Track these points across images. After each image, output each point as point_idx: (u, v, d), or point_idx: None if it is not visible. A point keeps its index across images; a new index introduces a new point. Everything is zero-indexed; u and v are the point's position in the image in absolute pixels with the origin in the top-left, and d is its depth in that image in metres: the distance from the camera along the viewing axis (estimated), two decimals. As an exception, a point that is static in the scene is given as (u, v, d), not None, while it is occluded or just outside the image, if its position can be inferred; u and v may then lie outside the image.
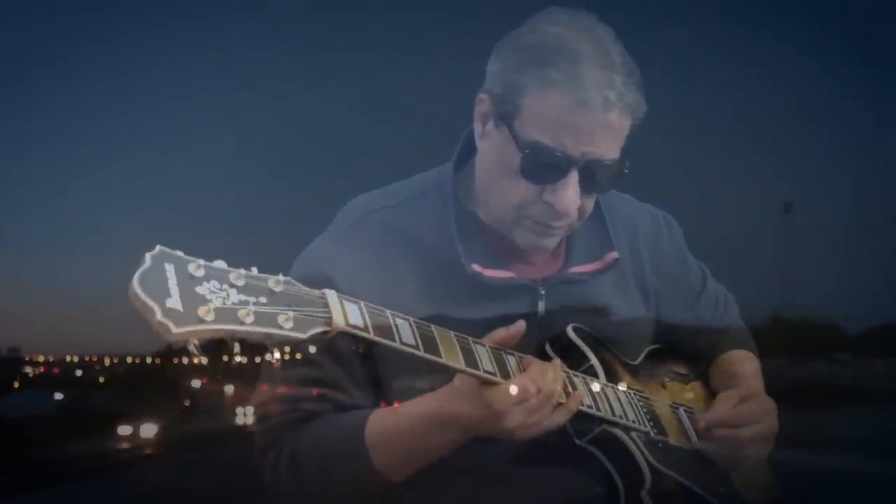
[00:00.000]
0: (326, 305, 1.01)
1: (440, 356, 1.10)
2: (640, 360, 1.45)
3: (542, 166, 1.25)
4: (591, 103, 1.20)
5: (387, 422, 1.23)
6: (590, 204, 1.33)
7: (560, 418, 1.19)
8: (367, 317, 1.04)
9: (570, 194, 1.26)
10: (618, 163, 1.28)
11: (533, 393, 1.14)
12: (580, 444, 1.27)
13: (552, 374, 1.18)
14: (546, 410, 1.16)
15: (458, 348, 1.12)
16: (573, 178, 1.25)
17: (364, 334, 1.03)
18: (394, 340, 1.06)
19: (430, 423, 1.19)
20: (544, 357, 1.27)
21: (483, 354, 1.15)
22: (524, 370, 1.18)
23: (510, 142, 1.26)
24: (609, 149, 1.25)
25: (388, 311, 1.08)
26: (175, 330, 0.88)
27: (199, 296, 0.92)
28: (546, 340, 1.35)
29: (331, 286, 1.11)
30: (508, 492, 1.30)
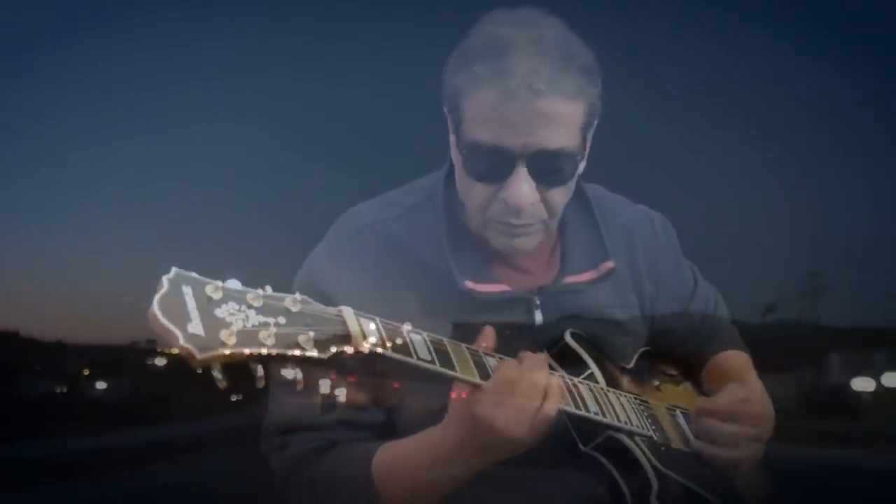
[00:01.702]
0: (344, 323, 1.01)
1: (455, 370, 1.10)
2: (633, 363, 1.47)
3: (485, 164, 1.25)
4: (518, 93, 1.19)
5: (393, 455, 1.23)
6: (557, 197, 1.30)
7: (551, 408, 1.14)
8: (383, 333, 1.04)
9: (519, 188, 1.25)
10: (570, 151, 1.25)
11: (515, 380, 1.12)
12: (585, 450, 1.28)
13: (530, 361, 1.16)
14: (535, 400, 1.13)
15: (472, 362, 1.13)
16: (521, 171, 1.24)
17: (382, 351, 1.03)
18: (410, 356, 1.05)
19: (434, 455, 1.19)
20: None
21: (494, 366, 1.15)
22: None
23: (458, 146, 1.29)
24: (553, 137, 1.23)
25: (402, 327, 1.07)
26: (199, 356, 0.86)
27: (219, 319, 0.90)
28: (543, 349, 1.35)
29: (331, 303, 1.11)
30: (514, 499, 1.30)
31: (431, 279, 1.34)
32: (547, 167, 1.25)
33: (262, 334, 0.92)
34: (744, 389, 1.40)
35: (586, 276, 1.43)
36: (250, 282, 0.99)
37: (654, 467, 1.28)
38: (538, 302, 1.38)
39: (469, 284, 1.34)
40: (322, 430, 1.28)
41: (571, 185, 1.34)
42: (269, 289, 0.98)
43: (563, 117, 1.23)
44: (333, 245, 1.41)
